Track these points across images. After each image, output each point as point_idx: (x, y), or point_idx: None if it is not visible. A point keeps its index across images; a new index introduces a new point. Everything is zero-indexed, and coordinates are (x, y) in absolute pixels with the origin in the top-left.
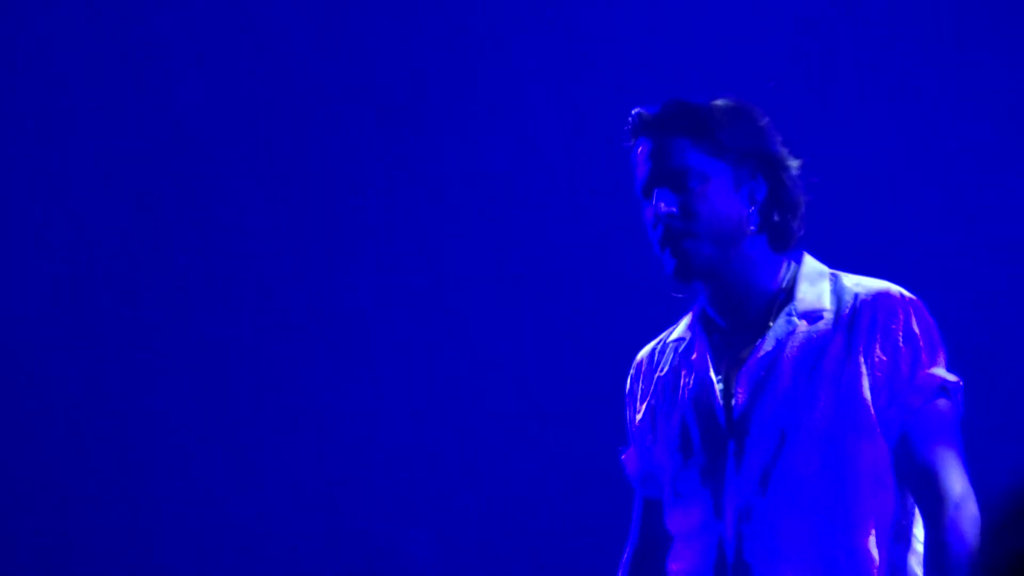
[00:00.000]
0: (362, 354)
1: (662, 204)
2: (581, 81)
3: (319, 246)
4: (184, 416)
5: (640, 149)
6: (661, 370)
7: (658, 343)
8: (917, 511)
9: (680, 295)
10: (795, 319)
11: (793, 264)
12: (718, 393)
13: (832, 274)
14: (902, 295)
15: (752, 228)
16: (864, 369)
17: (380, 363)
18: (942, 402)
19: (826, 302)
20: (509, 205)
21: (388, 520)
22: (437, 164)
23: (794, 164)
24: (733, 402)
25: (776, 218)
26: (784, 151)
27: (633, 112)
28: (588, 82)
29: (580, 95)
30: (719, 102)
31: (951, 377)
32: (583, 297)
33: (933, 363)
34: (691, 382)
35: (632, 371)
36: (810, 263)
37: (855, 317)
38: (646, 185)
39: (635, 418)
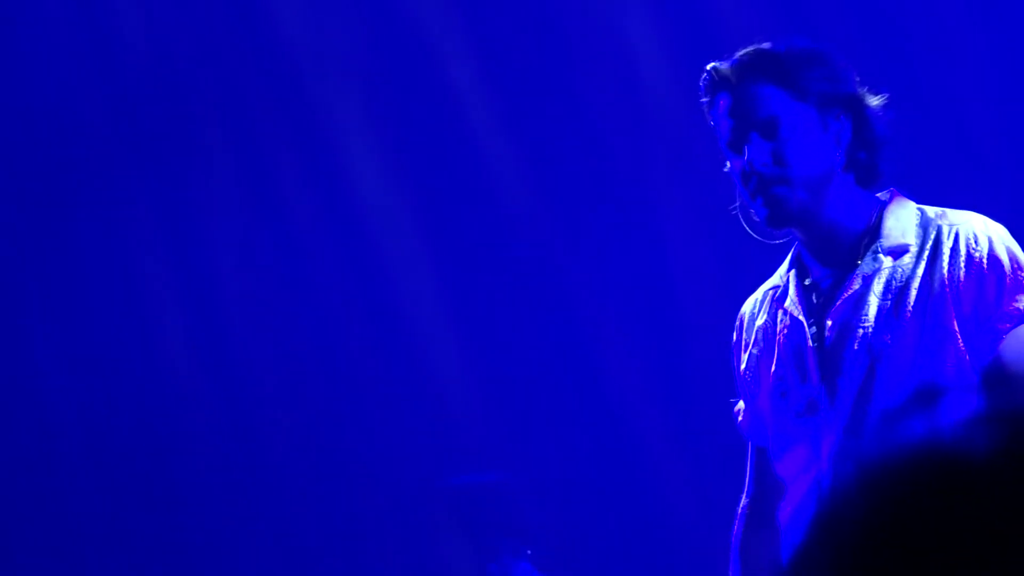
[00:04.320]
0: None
1: (756, 154)
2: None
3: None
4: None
5: (721, 103)
6: (760, 318)
7: (759, 293)
8: None
9: (774, 241)
10: (881, 256)
11: (881, 202)
12: (809, 336)
13: (919, 208)
14: (985, 222)
15: (840, 168)
16: (950, 299)
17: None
18: None
19: (911, 237)
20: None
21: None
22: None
23: (875, 101)
24: (825, 342)
25: (862, 156)
26: (864, 89)
27: (708, 67)
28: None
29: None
30: (794, 46)
31: None
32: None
33: (1019, 288)
34: (786, 327)
35: (737, 323)
36: (897, 200)
37: (938, 247)
38: (733, 139)
39: (740, 368)
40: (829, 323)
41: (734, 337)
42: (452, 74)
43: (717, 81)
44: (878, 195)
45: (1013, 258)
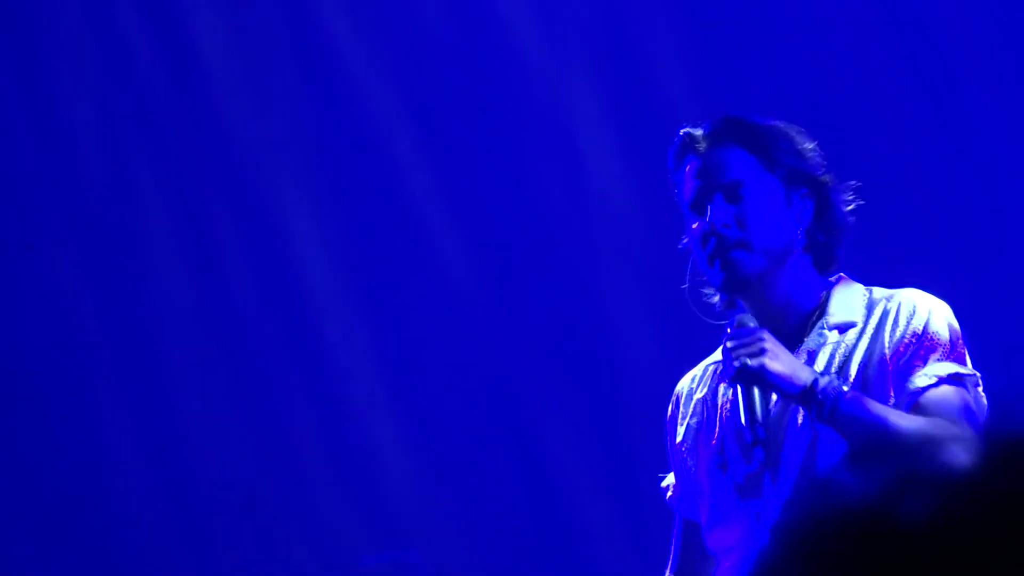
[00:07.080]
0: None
1: (718, 216)
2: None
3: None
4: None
5: (688, 167)
6: (700, 392)
7: (698, 369)
8: None
9: (722, 322)
10: (826, 331)
11: (831, 283)
12: (752, 409)
13: (867, 289)
14: (928, 297)
15: (799, 247)
16: (890, 369)
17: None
18: (952, 388)
19: (857, 314)
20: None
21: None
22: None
23: (840, 187)
24: (769, 416)
25: (822, 239)
26: (830, 175)
27: (681, 131)
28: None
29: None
30: (768, 119)
31: (968, 369)
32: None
33: (952, 358)
34: (728, 401)
35: (673, 398)
36: (846, 282)
37: (881, 322)
38: (697, 199)
39: (675, 441)
40: (773, 397)
41: (668, 411)
42: (406, 178)
43: (688, 144)
44: (829, 279)
45: (952, 331)
